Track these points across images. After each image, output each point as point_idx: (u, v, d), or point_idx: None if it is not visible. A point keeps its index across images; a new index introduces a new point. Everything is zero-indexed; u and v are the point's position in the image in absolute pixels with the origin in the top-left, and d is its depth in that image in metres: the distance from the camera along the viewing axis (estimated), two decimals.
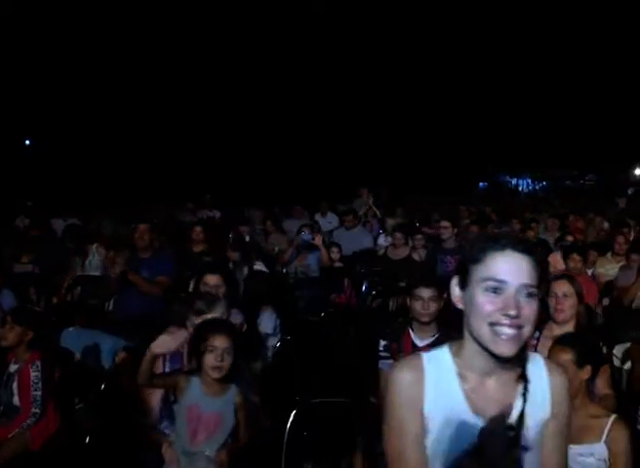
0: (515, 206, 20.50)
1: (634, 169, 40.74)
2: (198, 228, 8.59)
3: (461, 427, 1.86)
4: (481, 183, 40.38)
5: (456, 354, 1.96)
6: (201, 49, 25.90)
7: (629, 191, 29.70)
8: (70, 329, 5.88)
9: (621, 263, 7.74)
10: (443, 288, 4.78)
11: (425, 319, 4.67)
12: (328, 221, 13.20)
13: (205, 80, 26.35)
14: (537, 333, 4.34)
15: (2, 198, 17.26)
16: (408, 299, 6.74)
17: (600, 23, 29.36)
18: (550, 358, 3.19)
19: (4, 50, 21.94)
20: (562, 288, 4.49)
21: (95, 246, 8.55)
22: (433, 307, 4.65)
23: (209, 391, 3.60)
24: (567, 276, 4.92)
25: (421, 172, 30.40)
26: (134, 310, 6.50)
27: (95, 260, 8.36)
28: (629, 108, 30.61)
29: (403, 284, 8.36)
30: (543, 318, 4.43)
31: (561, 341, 3.60)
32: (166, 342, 3.70)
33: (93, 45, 24.14)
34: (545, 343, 4.08)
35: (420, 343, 4.66)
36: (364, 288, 8.69)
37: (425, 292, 4.68)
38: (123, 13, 24.61)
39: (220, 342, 3.55)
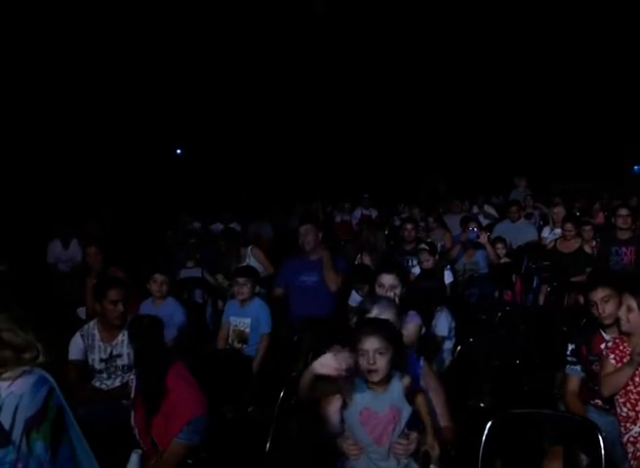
0: None
1: None
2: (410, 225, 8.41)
3: None
4: (636, 167, 37.94)
5: None
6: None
7: None
8: None
9: None
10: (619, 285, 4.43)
11: (607, 321, 4.28)
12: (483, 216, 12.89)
13: (364, 84, 26.35)
14: None
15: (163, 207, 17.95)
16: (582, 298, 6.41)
17: None
18: None
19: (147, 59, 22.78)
20: None
21: (250, 248, 8.57)
22: (609, 308, 4.25)
23: (376, 390, 3.40)
24: None
25: (567, 157, 28.80)
26: (303, 312, 6.48)
27: (252, 263, 8.33)
28: None
29: (576, 278, 8.04)
30: None
31: None
32: (329, 363, 3.57)
33: (238, 53, 24.69)
34: None
35: None
36: (534, 283, 8.33)
37: (597, 295, 4.31)
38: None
39: (369, 345, 3.34)
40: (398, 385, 3.43)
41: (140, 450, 3.95)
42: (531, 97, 27.64)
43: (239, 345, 5.93)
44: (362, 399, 3.42)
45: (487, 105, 27.44)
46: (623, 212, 7.97)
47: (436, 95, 26.72)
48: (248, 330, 5.93)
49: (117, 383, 5.05)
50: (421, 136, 26.89)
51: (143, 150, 23.67)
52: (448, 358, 5.47)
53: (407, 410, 3.41)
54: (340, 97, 26.15)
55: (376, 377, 3.37)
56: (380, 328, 3.45)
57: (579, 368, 4.37)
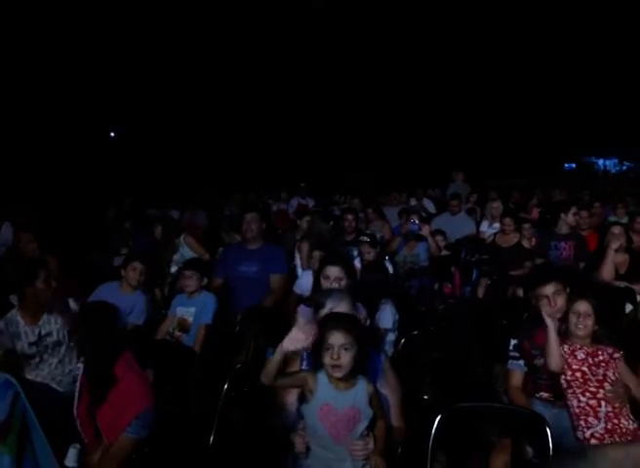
0: (609, 188, 19.66)
1: None
2: (350, 216, 8.20)
3: None
4: (566, 165, 38.98)
5: None
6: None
7: None
8: None
9: None
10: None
11: (558, 315, 4.26)
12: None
13: (302, 73, 26.30)
14: None
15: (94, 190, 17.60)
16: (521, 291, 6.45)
17: None
18: None
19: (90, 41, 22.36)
20: None
21: (182, 236, 8.37)
22: (561, 302, 4.27)
23: (339, 387, 3.38)
24: None
25: (501, 154, 29.34)
26: (244, 303, 6.37)
27: (185, 252, 8.17)
28: None
29: (515, 272, 8.11)
30: None
31: None
32: (298, 338, 3.49)
33: (177, 38, 24.40)
34: None
35: None
36: (474, 276, 8.37)
37: (549, 289, 4.33)
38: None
39: (335, 340, 3.32)
40: (363, 387, 3.40)
41: (78, 445, 3.81)
42: (468, 96, 28.05)
43: (179, 333, 5.80)
44: (324, 394, 3.38)
45: (425, 102, 27.74)
46: (575, 209, 8.08)
47: (375, 89, 26.90)
48: (191, 319, 5.81)
49: (53, 367, 4.90)
50: (359, 130, 27.04)
51: (77, 133, 23.20)
52: (390, 350, 5.44)
53: (368, 413, 3.39)
54: (278, 87, 26.11)
55: (339, 373, 3.34)
56: (345, 323, 3.42)
57: (521, 362, 4.38)
